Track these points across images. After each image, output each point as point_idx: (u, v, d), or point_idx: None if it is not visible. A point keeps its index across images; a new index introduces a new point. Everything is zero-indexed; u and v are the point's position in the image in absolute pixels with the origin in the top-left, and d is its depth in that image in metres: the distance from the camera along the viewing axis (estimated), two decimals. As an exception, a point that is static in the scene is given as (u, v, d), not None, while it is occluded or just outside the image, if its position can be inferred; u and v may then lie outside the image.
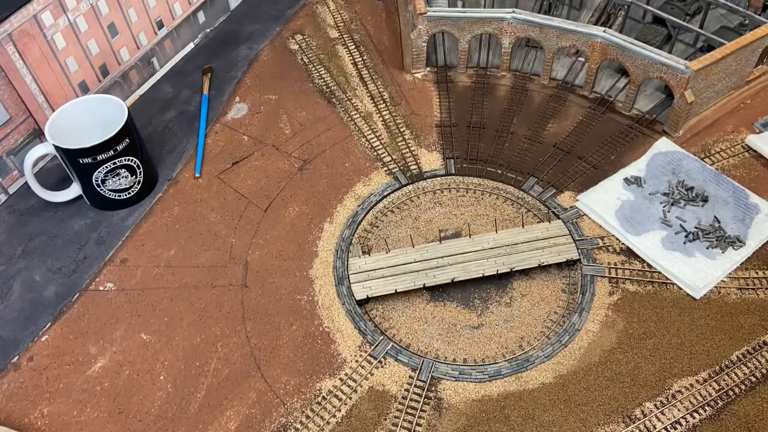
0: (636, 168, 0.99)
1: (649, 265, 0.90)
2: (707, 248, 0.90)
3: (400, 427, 0.77)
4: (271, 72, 1.18)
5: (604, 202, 0.96)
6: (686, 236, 0.91)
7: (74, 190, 0.98)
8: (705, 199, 0.95)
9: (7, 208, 1.00)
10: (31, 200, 1.00)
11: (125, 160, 0.94)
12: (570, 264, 0.91)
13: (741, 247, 0.90)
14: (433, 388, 0.80)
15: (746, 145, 1.01)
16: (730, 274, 0.88)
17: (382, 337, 0.85)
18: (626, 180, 0.98)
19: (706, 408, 0.77)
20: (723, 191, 0.95)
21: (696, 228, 0.92)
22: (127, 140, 0.92)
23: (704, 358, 0.81)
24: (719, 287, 0.87)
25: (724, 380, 0.79)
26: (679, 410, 0.77)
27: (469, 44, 1.11)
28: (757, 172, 0.99)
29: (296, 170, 1.03)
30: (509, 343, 0.84)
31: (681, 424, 0.76)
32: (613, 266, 0.90)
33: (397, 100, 1.12)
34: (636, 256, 0.91)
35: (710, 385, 0.79)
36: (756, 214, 0.93)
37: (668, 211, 0.94)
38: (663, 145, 1.02)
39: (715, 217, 0.93)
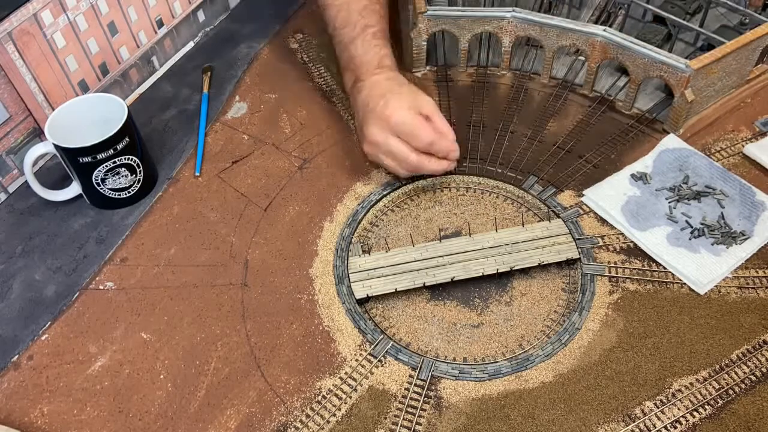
0: (643, 164, 1.00)
1: (650, 264, 0.90)
2: (712, 244, 0.90)
3: (400, 425, 0.77)
4: (271, 71, 1.18)
5: (610, 197, 0.96)
6: (691, 232, 0.91)
7: (74, 189, 0.98)
8: (709, 195, 0.95)
9: (6, 207, 1.00)
10: (31, 199, 1.00)
11: (125, 159, 0.94)
12: (570, 263, 0.91)
13: (746, 242, 0.90)
14: (433, 387, 0.80)
15: (744, 153, 1.01)
16: (732, 271, 0.88)
17: (382, 336, 0.85)
18: (633, 176, 0.98)
19: (706, 407, 0.77)
20: (730, 188, 0.95)
21: (701, 224, 0.92)
22: (126, 139, 0.92)
23: (704, 357, 0.81)
24: (719, 286, 0.87)
25: (724, 379, 0.79)
26: (679, 409, 0.77)
27: (469, 43, 1.11)
28: (757, 171, 0.99)
29: (296, 169, 1.03)
30: (509, 342, 0.84)
31: (681, 423, 0.76)
32: (613, 265, 0.90)
33: (397, 99, 1.11)
34: (636, 255, 0.91)
35: (710, 384, 0.79)
36: (762, 211, 0.93)
37: (674, 207, 0.94)
38: (670, 141, 1.02)
39: (721, 213, 0.93)
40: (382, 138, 0.92)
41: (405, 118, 0.90)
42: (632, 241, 0.92)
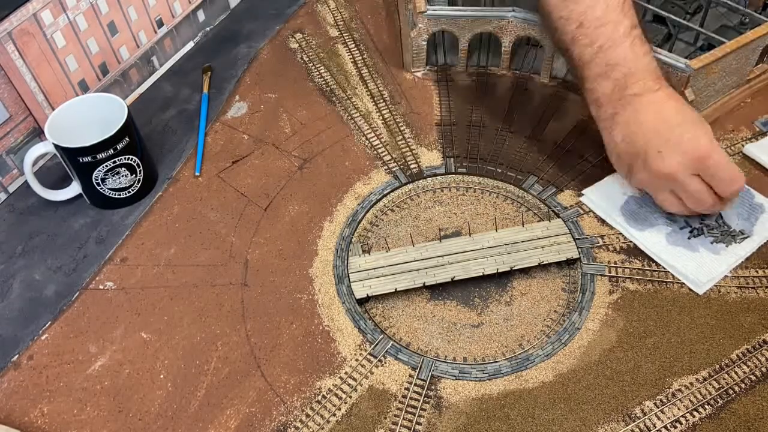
0: None
1: (650, 264, 0.90)
2: (711, 243, 0.90)
3: (400, 425, 0.77)
4: (270, 71, 1.18)
5: (609, 196, 0.96)
6: (690, 232, 0.91)
7: (74, 188, 0.98)
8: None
9: (7, 206, 1.00)
10: (31, 199, 1.00)
11: (125, 158, 0.94)
12: (570, 263, 0.91)
13: (745, 241, 0.90)
14: (433, 387, 0.80)
15: (744, 153, 1.01)
16: (732, 270, 0.88)
17: (382, 335, 0.85)
18: None
19: (706, 407, 0.77)
20: None
21: (700, 224, 0.92)
22: (126, 139, 0.92)
23: (704, 356, 0.81)
24: (719, 286, 0.87)
25: (723, 379, 0.79)
26: (678, 409, 0.77)
27: (469, 43, 1.11)
28: (757, 171, 0.99)
29: (296, 169, 1.03)
30: (509, 342, 0.84)
31: (681, 423, 0.76)
32: (613, 265, 0.90)
33: (397, 99, 1.12)
34: (636, 255, 0.91)
35: (710, 384, 0.79)
36: (761, 213, 0.93)
37: None
38: None
39: (720, 214, 0.93)
40: (682, 175, 0.82)
41: (723, 163, 0.82)
42: (632, 241, 0.92)
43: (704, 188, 0.83)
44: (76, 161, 0.91)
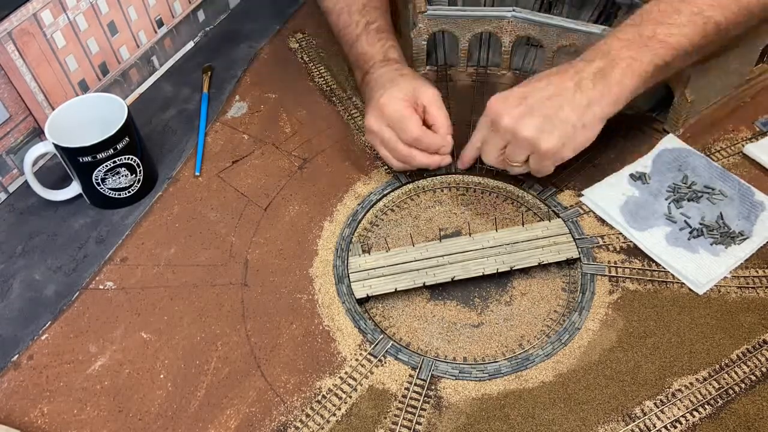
0: (642, 164, 1.00)
1: (650, 264, 0.90)
2: (711, 244, 0.90)
3: (400, 425, 0.77)
4: (271, 70, 1.18)
5: (609, 197, 0.96)
6: (690, 232, 0.91)
7: (74, 188, 0.98)
8: (708, 195, 0.95)
9: (6, 206, 1.00)
10: (31, 199, 1.00)
11: (125, 158, 0.94)
12: (570, 263, 0.91)
13: (744, 242, 0.90)
14: (433, 387, 0.80)
15: (744, 153, 1.01)
16: (732, 271, 0.88)
17: (382, 335, 0.85)
18: (632, 176, 0.98)
19: (706, 407, 0.77)
20: (728, 188, 0.95)
21: (700, 224, 0.92)
22: (126, 139, 0.92)
23: (704, 356, 0.81)
24: (719, 286, 0.87)
25: (723, 379, 0.79)
26: (678, 409, 0.77)
27: (469, 43, 1.11)
28: (756, 171, 0.99)
29: (296, 169, 1.03)
30: (509, 342, 0.84)
31: (681, 423, 0.76)
32: (613, 265, 0.90)
33: (397, 99, 1.11)
34: (636, 255, 0.91)
35: (710, 384, 0.79)
36: (761, 211, 0.93)
37: (673, 208, 0.94)
38: (669, 141, 1.02)
39: (720, 213, 0.93)
40: (377, 127, 0.93)
41: (395, 110, 0.91)
42: (632, 241, 0.92)
43: (394, 136, 0.93)
44: (76, 161, 0.91)
